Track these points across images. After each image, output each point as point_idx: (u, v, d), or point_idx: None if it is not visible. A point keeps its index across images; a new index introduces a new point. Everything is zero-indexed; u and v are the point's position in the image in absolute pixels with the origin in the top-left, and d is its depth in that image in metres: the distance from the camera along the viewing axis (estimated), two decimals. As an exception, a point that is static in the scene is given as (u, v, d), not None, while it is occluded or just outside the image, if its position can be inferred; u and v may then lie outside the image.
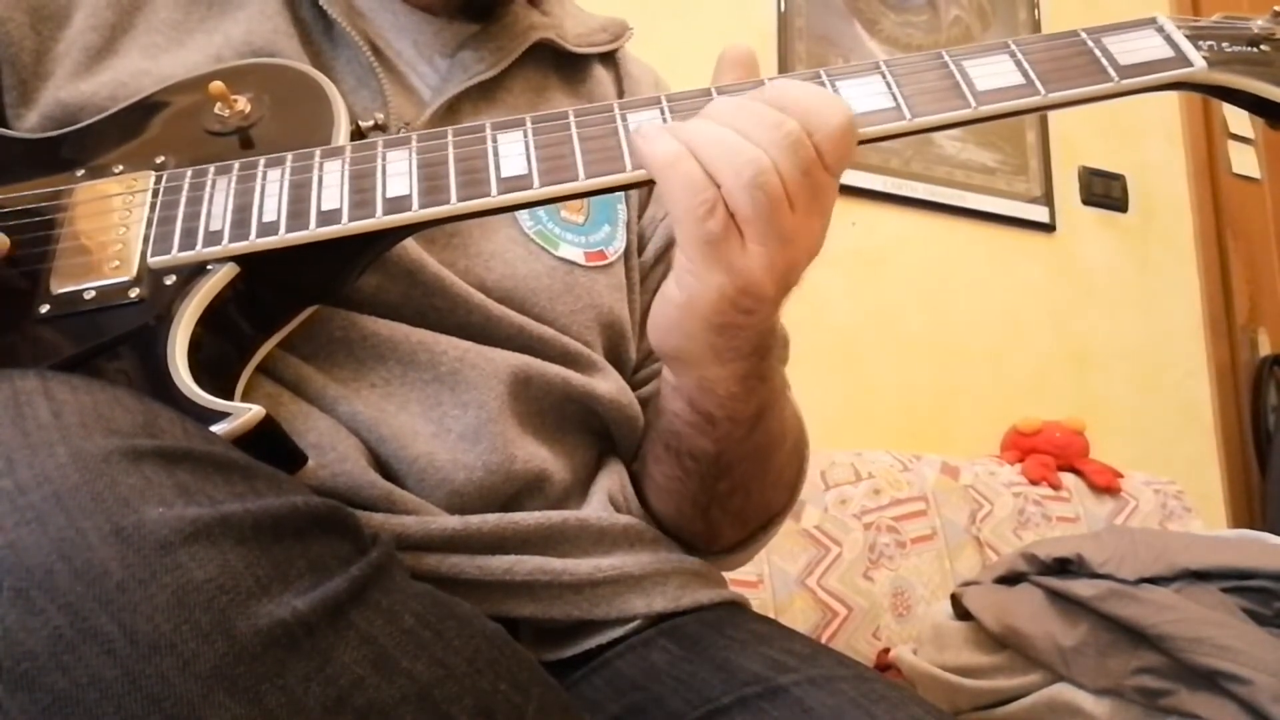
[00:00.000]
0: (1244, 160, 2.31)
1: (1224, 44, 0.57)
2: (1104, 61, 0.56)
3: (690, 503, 0.66)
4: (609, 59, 0.80)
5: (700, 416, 0.60)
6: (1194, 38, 0.57)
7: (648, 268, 0.75)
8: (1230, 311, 2.20)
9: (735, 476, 0.64)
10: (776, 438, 0.65)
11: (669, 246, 0.75)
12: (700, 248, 0.50)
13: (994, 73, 0.56)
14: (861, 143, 0.55)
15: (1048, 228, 2.06)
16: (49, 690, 0.34)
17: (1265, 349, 2.21)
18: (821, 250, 0.54)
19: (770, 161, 0.48)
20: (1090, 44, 0.56)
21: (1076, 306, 2.06)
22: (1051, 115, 2.07)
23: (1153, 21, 0.58)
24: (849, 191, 1.88)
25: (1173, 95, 2.22)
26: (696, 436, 0.62)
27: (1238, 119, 2.29)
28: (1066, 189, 2.10)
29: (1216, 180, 2.26)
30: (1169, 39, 0.57)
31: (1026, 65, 0.56)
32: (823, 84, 0.56)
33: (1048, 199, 2.07)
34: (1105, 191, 2.15)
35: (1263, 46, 0.57)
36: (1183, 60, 0.56)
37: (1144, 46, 0.56)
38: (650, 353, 0.75)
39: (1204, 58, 0.56)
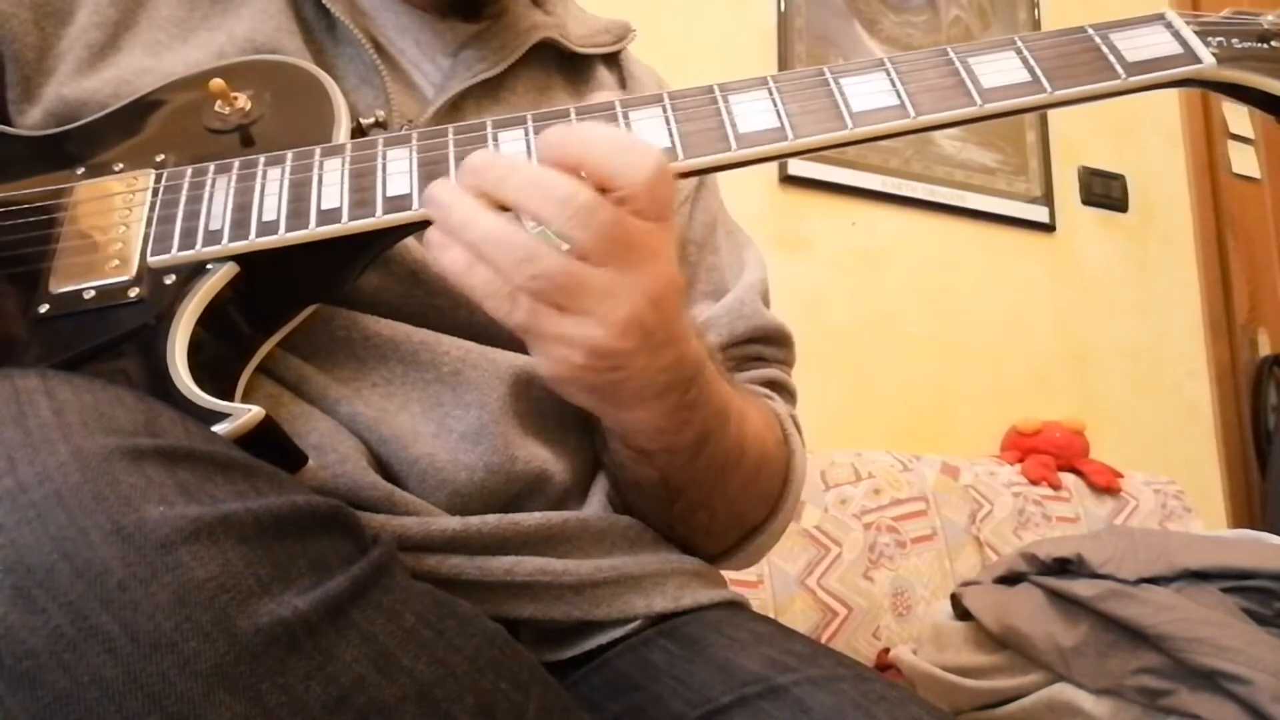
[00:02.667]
0: (1244, 160, 2.31)
1: (1233, 40, 0.56)
2: (1111, 58, 0.55)
3: (655, 521, 0.66)
4: (612, 60, 0.80)
5: (635, 451, 0.60)
6: (1203, 34, 0.56)
7: None
8: (1230, 311, 2.20)
9: (689, 498, 0.64)
10: (731, 456, 0.63)
11: None
12: (524, 337, 0.49)
13: (1000, 70, 0.55)
14: (866, 141, 0.55)
15: (1048, 228, 2.06)
16: (50, 688, 0.34)
17: (1265, 349, 2.21)
18: (674, 286, 0.51)
19: (536, 249, 0.47)
20: (1097, 40, 0.56)
21: (1076, 306, 2.06)
22: (1052, 115, 2.07)
23: (1161, 18, 0.57)
24: (849, 191, 1.89)
25: (1173, 94, 2.19)
26: (638, 468, 0.62)
27: (1238, 119, 2.29)
28: (1066, 189, 2.10)
29: (1216, 180, 2.26)
30: (1177, 35, 0.56)
31: (1033, 62, 0.55)
32: (826, 81, 0.56)
33: (1048, 199, 2.06)
34: (1105, 191, 2.15)
35: (1273, 42, 0.56)
36: (1192, 57, 0.55)
37: (1152, 43, 0.56)
38: None
39: (1213, 54, 0.55)
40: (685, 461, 0.60)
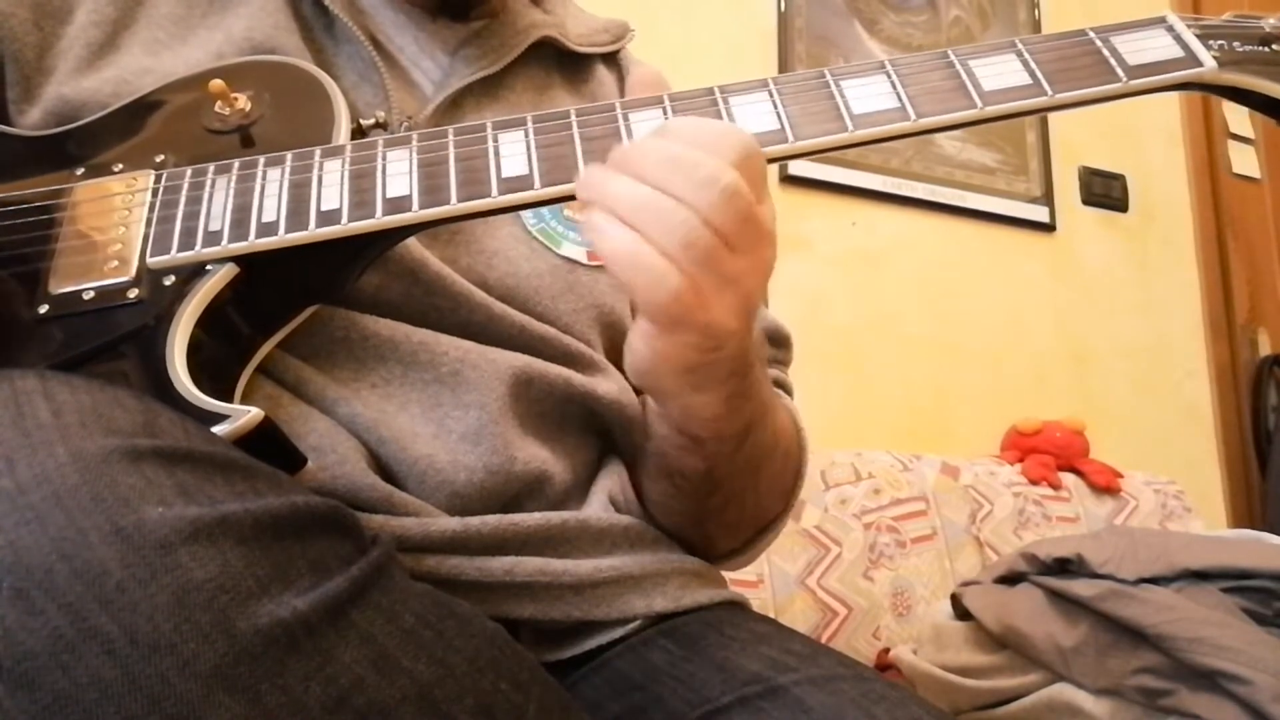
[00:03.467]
0: (1244, 160, 2.31)
1: (1235, 43, 0.56)
2: (1112, 61, 0.55)
3: (685, 517, 0.67)
4: (611, 59, 0.80)
5: (687, 439, 0.60)
6: (1204, 37, 0.56)
7: None
8: (1230, 311, 2.20)
9: (727, 490, 0.64)
10: (767, 448, 0.64)
11: None
12: (666, 322, 0.50)
13: (1000, 72, 0.55)
14: (866, 143, 0.55)
15: (1048, 228, 2.06)
16: (49, 690, 0.34)
17: (1265, 349, 2.21)
18: (772, 269, 0.52)
19: (700, 220, 0.47)
20: (1098, 43, 0.56)
21: (1076, 306, 2.06)
22: (1052, 115, 2.07)
23: (1162, 21, 0.57)
24: (849, 191, 1.89)
25: (1174, 95, 2.22)
26: (685, 456, 0.62)
27: (1238, 119, 2.29)
28: (1066, 189, 2.10)
29: (1216, 180, 2.26)
30: (1179, 38, 0.56)
31: (1034, 65, 0.55)
32: (827, 84, 0.56)
33: (1048, 199, 2.06)
34: (1105, 191, 2.15)
35: (1274, 46, 0.56)
36: (1193, 60, 0.55)
37: (1153, 46, 0.56)
38: None
39: (1214, 57, 0.55)
40: (731, 450, 0.61)
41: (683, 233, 0.47)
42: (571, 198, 0.55)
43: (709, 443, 0.60)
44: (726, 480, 0.63)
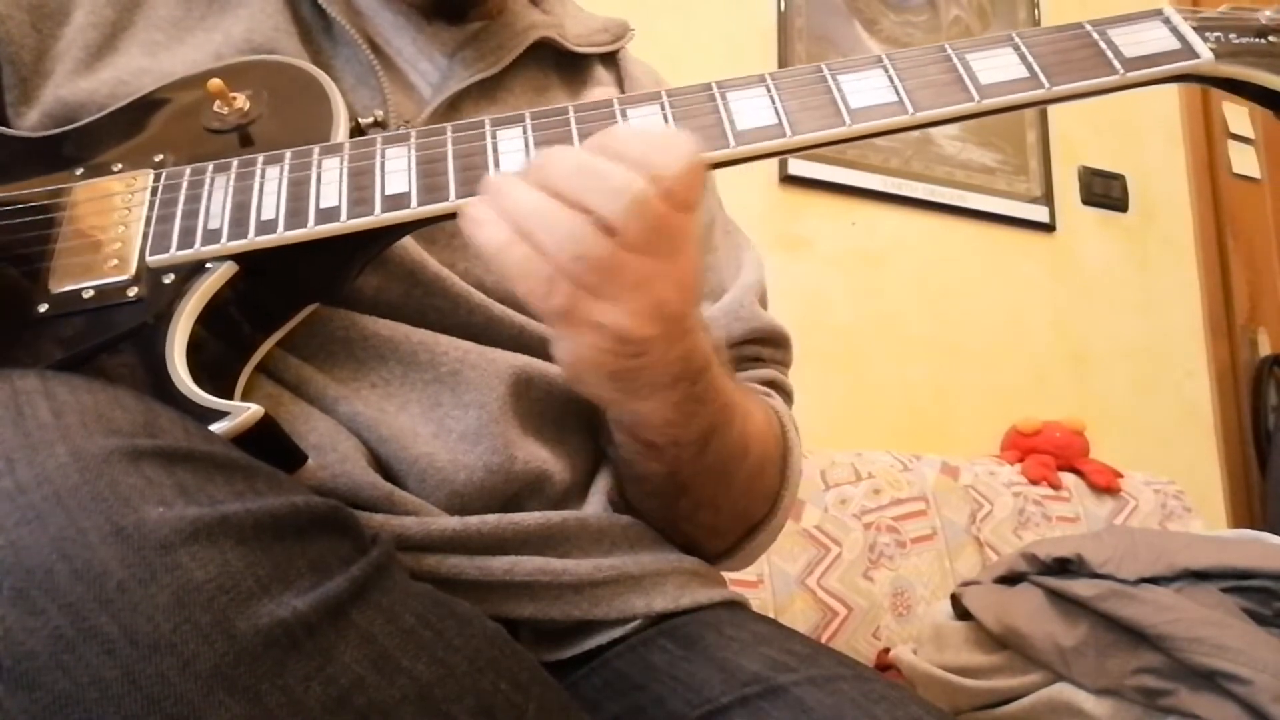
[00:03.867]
0: (1244, 160, 2.31)
1: (1231, 35, 0.56)
2: (1109, 54, 0.55)
3: (660, 520, 0.66)
4: (610, 59, 0.80)
5: (643, 444, 0.60)
6: (1200, 29, 0.56)
7: None
8: (1230, 311, 2.20)
9: (695, 495, 0.64)
10: (735, 452, 0.64)
11: None
12: (555, 320, 0.49)
13: (997, 66, 0.55)
14: (864, 137, 0.55)
15: (1048, 228, 2.06)
16: (49, 690, 0.34)
17: (1265, 349, 2.21)
18: (697, 275, 0.52)
19: (587, 226, 0.47)
20: (1095, 36, 0.56)
21: (1076, 306, 2.06)
22: (1051, 115, 2.07)
23: (1158, 13, 0.57)
24: (849, 191, 1.89)
25: (1173, 94, 2.19)
26: (645, 462, 0.62)
27: (1238, 119, 2.29)
28: (1066, 189, 2.10)
29: (1216, 180, 2.26)
30: (1175, 30, 0.56)
31: (1030, 58, 0.55)
32: (824, 78, 0.56)
33: (1048, 199, 2.06)
34: (1105, 191, 2.15)
35: (1270, 38, 0.56)
36: (1189, 52, 0.55)
37: (1150, 38, 0.56)
38: None
39: (1211, 49, 0.55)
40: (692, 456, 0.60)
41: (569, 244, 0.47)
42: None
43: (666, 448, 0.60)
44: (692, 484, 0.63)
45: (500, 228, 0.48)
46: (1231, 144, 2.29)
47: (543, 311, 0.49)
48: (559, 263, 0.47)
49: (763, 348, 0.76)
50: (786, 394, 0.78)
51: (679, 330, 0.52)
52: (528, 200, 0.48)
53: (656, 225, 0.48)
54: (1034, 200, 2.05)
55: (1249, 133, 2.31)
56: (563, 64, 0.77)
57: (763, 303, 0.79)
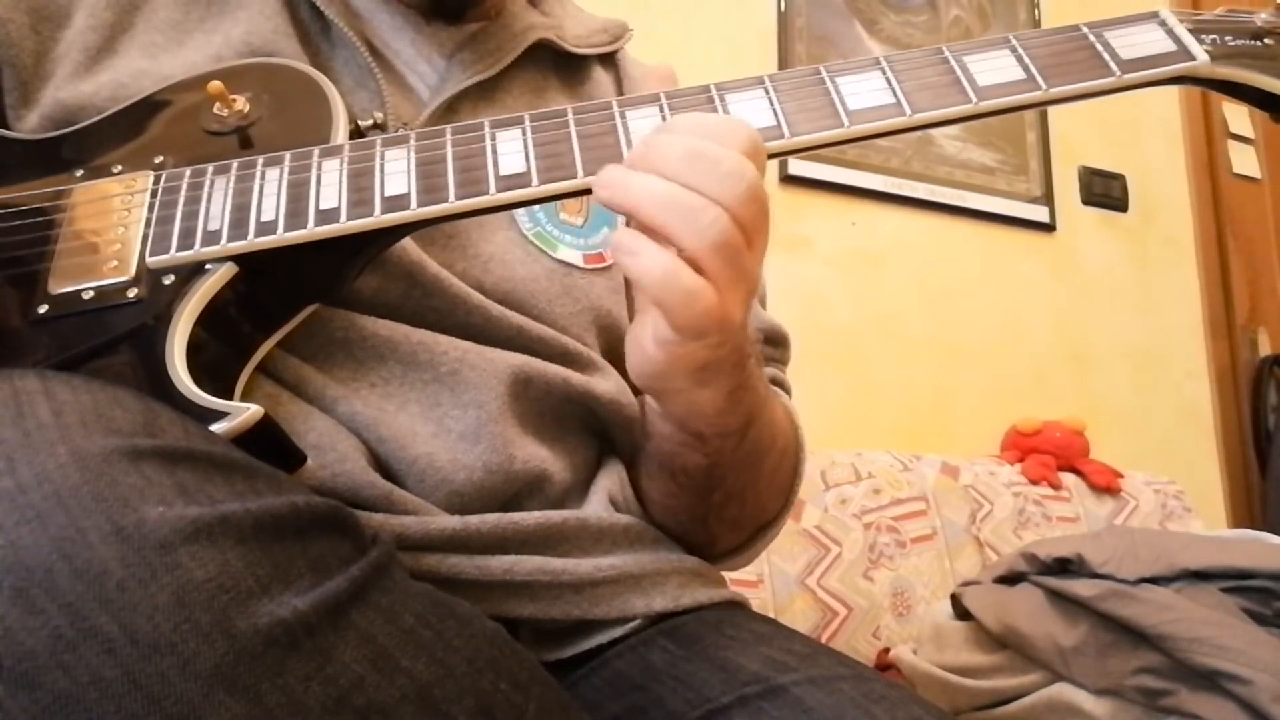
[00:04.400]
0: (1244, 160, 2.31)
1: (1227, 37, 0.56)
2: (1105, 56, 0.55)
3: (687, 514, 0.67)
4: (609, 60, 0.80)
5: (690, 435, 0.60)
6: (1197, 31, 0.56)
7: None
8: (1230, 311, 2.20)
9: (729, 486, 0.64)
10: (766, 443, 0.65)
11: None
12: (694, 333, 0.50)
13: (995, 68, 0.55)
14: (862, 139, 0.55)
15: (1048, 228, 2.06)
16: (49, 690, 0.34)
17: (1265, 349, 2.21)
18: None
19: (730, 217, 0.47)
20: (1091, 38, 0.56)
21: (1076, 306, 2.06)
22: (1051, 115, 2.07)
23: (1154, 16, 0.57)
24: (849, 191, 1.89)
25: (1173, 94, 2.19)
26: (688, 453, 0.62)
27: (1238, 119, 2.29)
28: (1066, 189, 2.10)
29: (1216, 180, 2.26)
30: (1171, 33, 0.56)
31: (1027, 60, 0.55)
32: (822, 80, 0.56)
33: (1048, 199, 2.06)
34: (1105, 191, 2.15)
35: (1266, 40, 0.57)
36: (1185, 54, 0.56)
37: (1146, 40, 0.56)
38: None
39: (1207, 51, 0.55)
40: (734, 445, 0.61)
41: (714, 232, 0.47)
42: (569, 195, 0.55)
43: (711, 439, 0.60)
44: (728, 476, 0.64)
45: (658, 255, 0.48)
46: (1231, 144, 2.29)
47: (680, 323, 0.49)
48: (706, 260, 0.47)
49: (764, 346, 0.77)
50: (787, 392, 0.78)
51: (746, 318, 0.53)
52: (658, 189, 0.48)
53: (766, 209, 0.48)
54: (1034, 200, 2.05)
55: (1249, 133, 2.31)
56: (561, 65, 0.77)
57: (762, 301, 0.79)
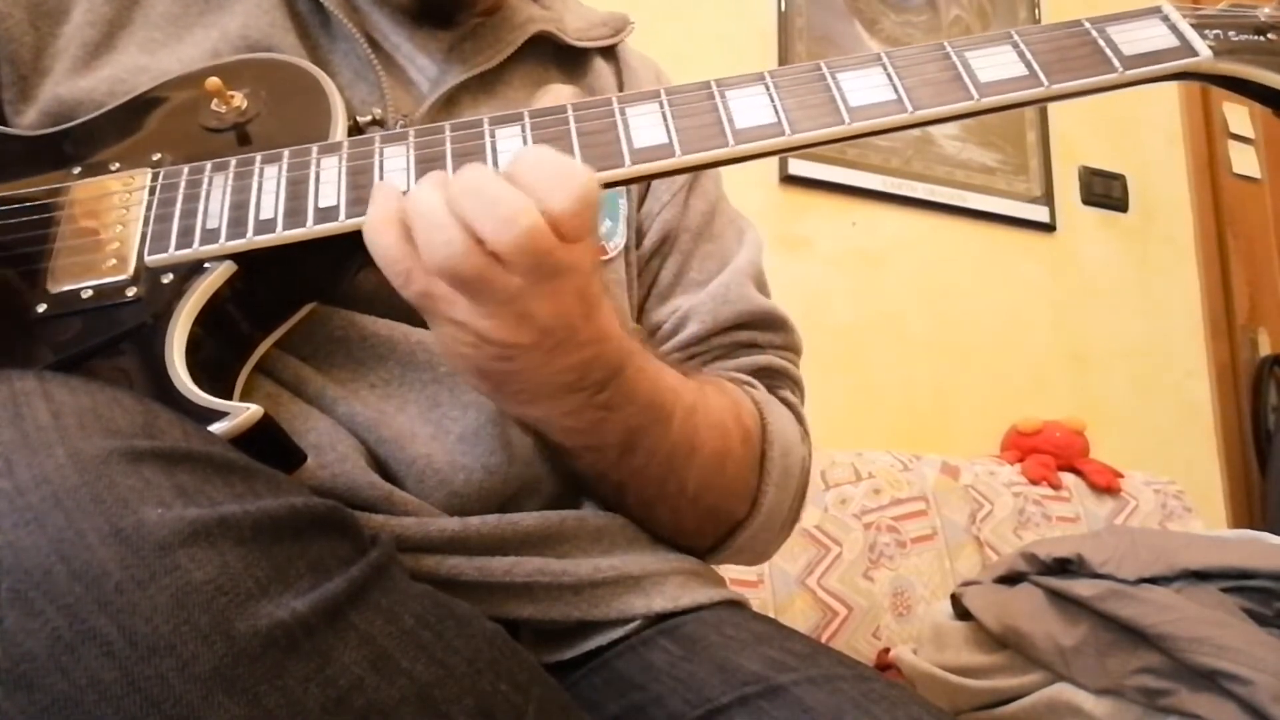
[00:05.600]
0: (1244, 160, 2.31)
1: (1230, 33, 0.56)
2: (1108, 51, 0.55)
3: (622, 512, 0.65)
4: (610, 53, 0.80)
5: (553, 446, 0.60)
6: (1200, 26, 0.56)
7: (644, 260, 0.75)
8: (1230, 311, 2.20)
9: (638, 493, 0.63)
10: (679, 450, 0.62)
11: (665, 239, 0.75)
12: (413, 302, 0.50)
13: (996, 64, 0.55)
14: (863, 136, 0.54)
15: (1048, 228, 2.06)
16: (48, 691, 0.34)
17: (1265, 349, 2.21)
18: (584, 297, 0.52)
19: (465, 245, 0.47)
20: (1094, 34, 0.56)
21: (1076, 306, 2.06)
22: (1052, 114, 2.07)
23: (1157, 11, 0.57)
24: (849, 191, 1.89)
25: (1174, 93, 2.19)
26: (572, 462, 0.62)
27: (1238, 119, 2.29)
28: (1066, 189, 2.10)
29: (1216, 180, 2.26)
30: (1174, 28, 0.56)
31: (1029, 56, 0.55)
32: (823, 76, 0.55)
33: (1048, 199, 2.06)
34: (1105, 191, 2.15)
35: (1269, 35, 0.56)
36: (1188, 49, 0.55)
37: (1149, 36, 0.56)
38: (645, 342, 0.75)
39: (1210, 47, 0.55)
40: (615, 459, 0.60)
41: (441, 252, 0.47)
42: None
43: (578, 452, 0.60)
44: (629, 483, 0.63)
45: (387, 209, 0.49)
46: (1231, 144, 2.29)
47: (401, 294, 0.50)
48: (426, 265, 0.48)
49: (757, 332, 0.74)
50: (789, 379, 0.76)
51: (557, 342, 0.51)
52: (423, 199, 0.48)
53: (541, 256, 0.48)
54: (1034, 200, 2.05)
55: (1249, 133, 2.31)
56: (562, 58, 0.77)
57: (759, 284, 0.77)
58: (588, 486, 0.65)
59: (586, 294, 0.52)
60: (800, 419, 0.74)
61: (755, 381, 0.73)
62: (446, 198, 0.48)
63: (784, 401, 0.73)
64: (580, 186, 0.48)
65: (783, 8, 1.92)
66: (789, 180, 1.84)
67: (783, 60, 1.88)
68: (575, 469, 0.63)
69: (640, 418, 0.59)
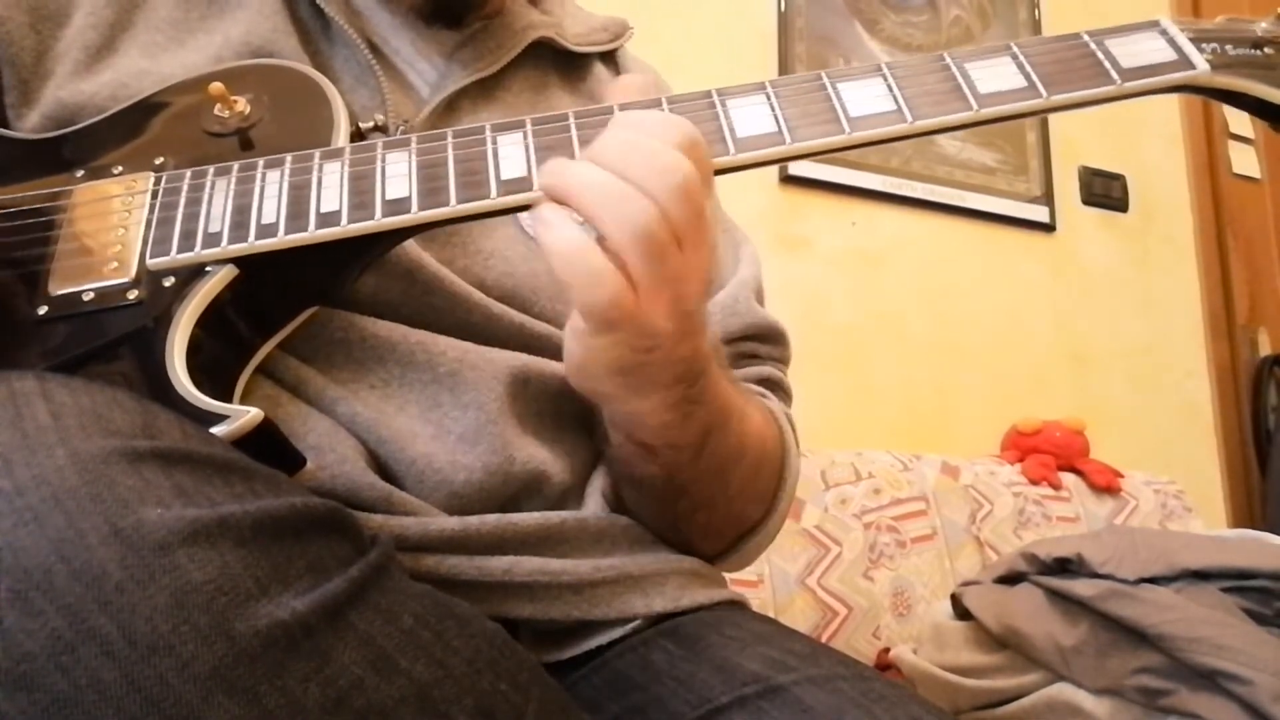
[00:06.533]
0: (1244, 160, 2.31)
1: (1227, 46, 0.56)
2: (1106, 64, 0.56)
3: (656, 521, 0.66)
4: (609, 58, 0.80)
5: (639, 446, 0.60)
6: (1197, 40, 0.56)
7: None
8: (1230, 311, 2.20)
9: (693, 496, 0.64)
10: (732, 454, 0.63)
11: None
12: (600, 323, 0.49)
13: (996, 75, 0.55)
14: (863, 145, 0.55)
15: (1048, 228, 2.06)
16: (48, 691, 0.34)
17: (1265, 349, 2.21)
18: (710, 274, 0.52)
19: (658, 211, 0.46)
20: (1093, 46, 0.56)
21: (1076, 306, 2.06)
22: (1052, 115, 2.07)
23: (1155, 24, 0.57)
24: (849, 191, 1.89)
25: (1174, 96, 2.20)
26: (642, 464, 0.61)
27: (1238, 119, 2.29)
28: (1066, 189, 2.10)
29: (1216, 180, 2.26)
30: (1172, 41, 0.56)
31: (1029, 68, 0.55)
32: (824, 86, 0.56)
33: (1048, 199, 2.06)
34: (1105, 191, 2.15)
35: (1266, 49, 0.57)
36: (1185, 63, 0.56)
37: (1147, 49, 0.56)
38: None
39: (1207, 60, 0.56)
40: (689, 458, 0.60)
41: (641, 221, 0.46)
42: None
43: (662, 450, 0.59)
44: (691, 487, 0.63)
45: (572, 230, 0.47)
46: (1231, 144, 2.29)
47: (585, 309, 0.48)
48: (625, 249, 0.46)
49: (759, 344, 0.76)
50: (785, 392, 0.77)
51: (690, 327, 0.52)
52: (592, 176, 0.47)
53: (699, 210, 0.47)
54: (1034, 200, 2.05)
55: (1249, 133, 2.31)
56: (562, 63, 0.77)
57: (759, 298, 0.78)
58: (643, 488, 0.64)
59: (711, 272, 0.51)
60: (794, 429, 0.75)
61: (766, 391, 0.74)
62: (605, 167, 0.47)
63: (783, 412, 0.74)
64: (690, 134, 0.48)
65: (783, 8, 1.92)
66: (789, 180, 1.84)
67: (782, 60, 1.88)
68: (642, 474, 0.62)
69: (714, 417, 0.59)
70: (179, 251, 0.54)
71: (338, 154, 0.56)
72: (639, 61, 0.82)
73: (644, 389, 0.54)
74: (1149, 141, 2.23)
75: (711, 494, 0.65)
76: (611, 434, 0.62)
